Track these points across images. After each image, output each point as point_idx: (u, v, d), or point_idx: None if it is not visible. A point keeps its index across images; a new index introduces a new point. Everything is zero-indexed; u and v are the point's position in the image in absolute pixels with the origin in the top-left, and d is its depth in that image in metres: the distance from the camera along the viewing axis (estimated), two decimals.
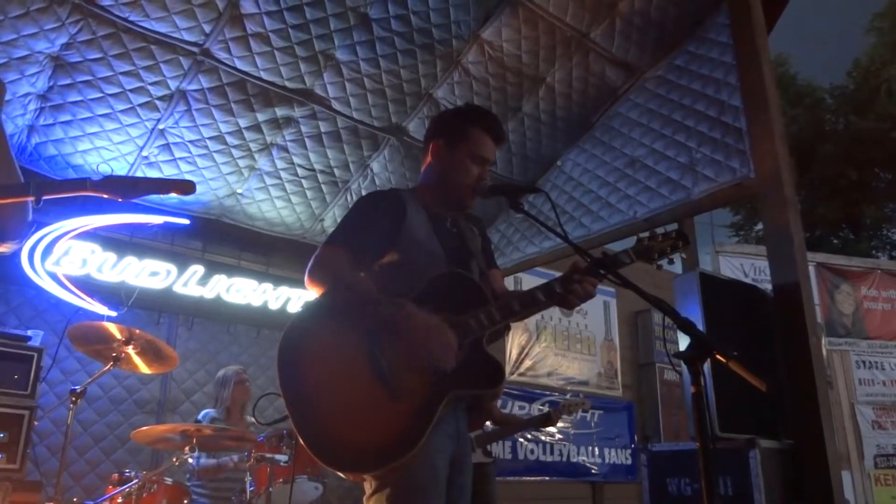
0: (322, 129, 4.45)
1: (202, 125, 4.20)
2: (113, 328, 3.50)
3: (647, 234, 2.12)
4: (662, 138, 4.24)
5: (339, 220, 4.05)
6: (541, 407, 6.93)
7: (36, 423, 3.71)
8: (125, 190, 1.43)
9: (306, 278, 1.84)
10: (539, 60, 4.24)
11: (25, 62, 3.57)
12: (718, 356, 1.41)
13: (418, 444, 1.61)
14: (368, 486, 1.75)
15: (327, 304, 1.83)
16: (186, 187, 1.50)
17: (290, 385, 1.71)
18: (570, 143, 4.92)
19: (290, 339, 1.77)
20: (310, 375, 1.72)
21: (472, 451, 1.97)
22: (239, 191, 4.79)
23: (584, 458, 7.41)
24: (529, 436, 6.89)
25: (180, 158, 4.39)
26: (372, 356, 1.71)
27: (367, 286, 1.81)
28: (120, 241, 4.85)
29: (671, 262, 2.12)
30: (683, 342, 2.19)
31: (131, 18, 3.51)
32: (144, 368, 3.70)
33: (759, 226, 16.66)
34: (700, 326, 2.17)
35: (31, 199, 1.38)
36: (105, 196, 1.42)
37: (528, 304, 1.88)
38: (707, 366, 1.51)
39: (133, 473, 3.43)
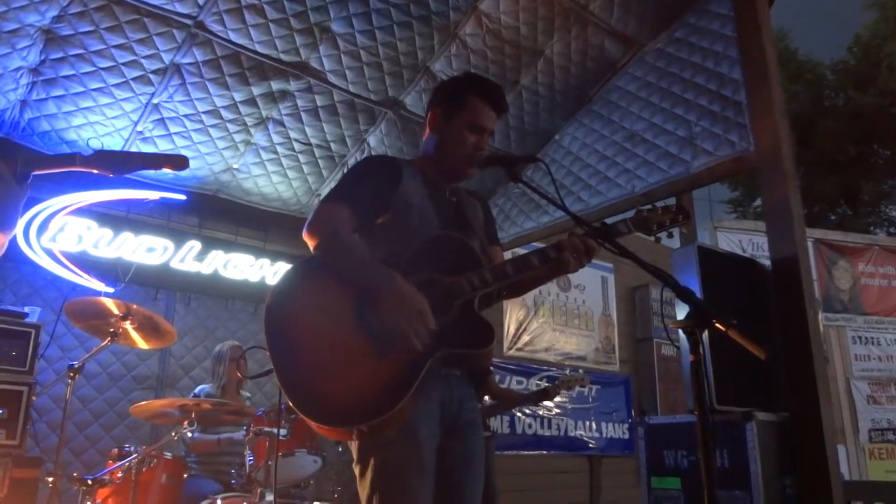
0: (318, 103, 4.40)
1: (197, 99, 4.15)
2: (110, 303, 3.48)
3: (647, 206, 2.10)
4: (661, 112, 4.19)
5: None
6: (538, 382, 6.97)
7: (34, 398, 3.71)
8: (116, 165, 1.41)
9: (304, 232, 1.84)
10: (537, 32, 4.18)
11: (16, 35, 3.51)
12: (718, 324, 1.40)
13: (400, 403, 1.60)
14: (354, 453, 1.75)
15: (320, 260, 1.84)
16: (179, 162, 1.48)
17: (276, 337, 1.71)
18: (568, 117, 4.87)
19: (280, 291, 1.78)
20: (297, 329, 1.72)
21: (479, 423, 1.94)
22: (235, 166, 4.75)
23: (582, 433, 7.46)
24: (527, 410, 6.92)
25: (175, 133, 4.35)
26: (361, 313, 1.71)
27: (362, 248, 1.81)
28: (116, 218, 4.82)
29: (670, 235, 2.09)
30: (682, 313, 2.18)
31: None
32: (142, 344, 3.70)
33: (758, 202, 16.64)
34: None
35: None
36: (95, 171, 1.40)
37: (521, 267, 1.86)
38: (705, 338, 1.50)
39: (132, 448, 3.43)
